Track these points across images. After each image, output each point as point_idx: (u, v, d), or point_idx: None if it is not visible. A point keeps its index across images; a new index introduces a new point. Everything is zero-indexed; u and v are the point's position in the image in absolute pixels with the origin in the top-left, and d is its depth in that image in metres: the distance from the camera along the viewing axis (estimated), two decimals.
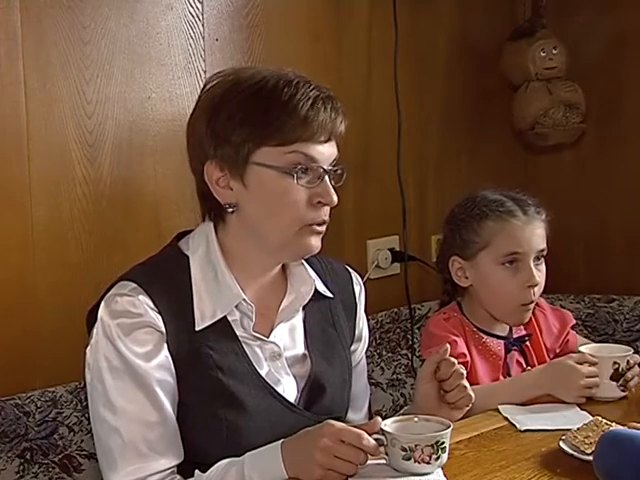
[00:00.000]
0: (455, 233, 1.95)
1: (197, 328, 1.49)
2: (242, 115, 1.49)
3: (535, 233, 1.91)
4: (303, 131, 1.48)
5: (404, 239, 2.63)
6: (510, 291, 1.89)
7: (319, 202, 1.51)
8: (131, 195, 2.06)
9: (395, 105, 2.56)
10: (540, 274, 1.92)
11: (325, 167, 1.51)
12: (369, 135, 2.58)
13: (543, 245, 1.92)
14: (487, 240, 1.90)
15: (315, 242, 1.54)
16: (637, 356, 1.85)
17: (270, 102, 1.49)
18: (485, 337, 1.94)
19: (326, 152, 1.52)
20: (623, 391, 1.81)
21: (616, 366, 1.81)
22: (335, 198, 1.52)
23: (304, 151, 1.49)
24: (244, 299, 1.53)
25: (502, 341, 1.95)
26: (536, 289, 1.90)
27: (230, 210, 1.53)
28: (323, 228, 1.54)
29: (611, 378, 1.80)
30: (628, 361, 1.82)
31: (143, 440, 1.45)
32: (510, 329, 1.98)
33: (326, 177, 1.51)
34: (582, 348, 1.87)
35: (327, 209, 1.53)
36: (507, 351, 1.95)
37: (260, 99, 1.49)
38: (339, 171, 1.55)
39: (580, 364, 1.79)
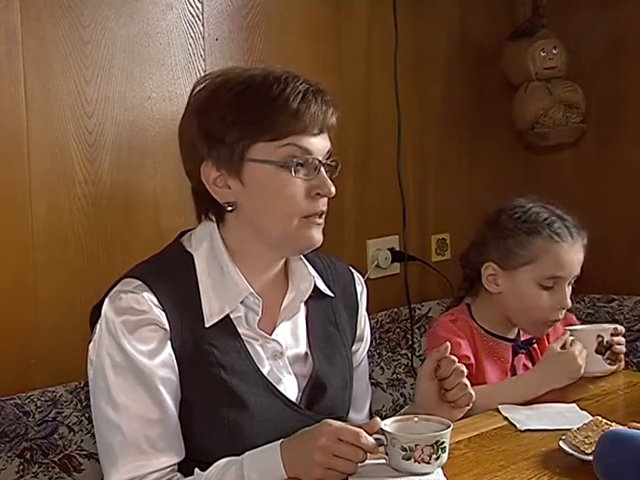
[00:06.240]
0: (499, 240, 1.91)
1: (207, 325, 1.49)
2: (234, 114, 1.50)
3: (577, 258, 1.90)
4: (296, 124, 1.49)
5: (404, 239, 2.63)
6: (541, 309, 1.89)
7: (317, 194, 1.51)
8: (131, 195, 2.06)
9: (395, 105, 2.57)
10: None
11: (320, 159, 1.52)
12: (369, 135, 2.58)
13: (579, 271, 1.91)
14: (533, 257, 1.88)
15: (317, 234, 1.54)
16: (621, 327, 1.88)
17: (260, 98, 1.49)
18: (493, 340, 1.94)
19: (319, 144, 1.52)
20: (611, 365, 1.83)
21: (600, 339, 1.83)
22: (333, 189, 1.52)
23: (298, 143, 1.49)
24: (251, 292, 1.53)
25: (510, 344, 1.95)
26: (564, 310, 1.91)
27: (229, 209, 1.53)
28: (322, 220, 1.55)
29: (596, 352, 1.82)
30: (612, 333, 1.84)
31: (144, 437, 1.45)
32: (518, 332, 1.98)
33: (322, 169, 1.52)
34: (569, 328, 1.90)
35: (325, 200, 1.54)
36: (514, 354, 1.95)
37: (250, 96, 1.50)
38: (334, 163, 1.56)
39: (563, 347, 1.82)
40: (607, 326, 1.89)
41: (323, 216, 1.54)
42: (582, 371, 1.81)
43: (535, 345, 1.97)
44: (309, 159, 1.50)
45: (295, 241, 1.54)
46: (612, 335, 1.86)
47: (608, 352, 1.84)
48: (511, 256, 1.90)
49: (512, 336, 1.97)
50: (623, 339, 1.88)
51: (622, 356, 1.89)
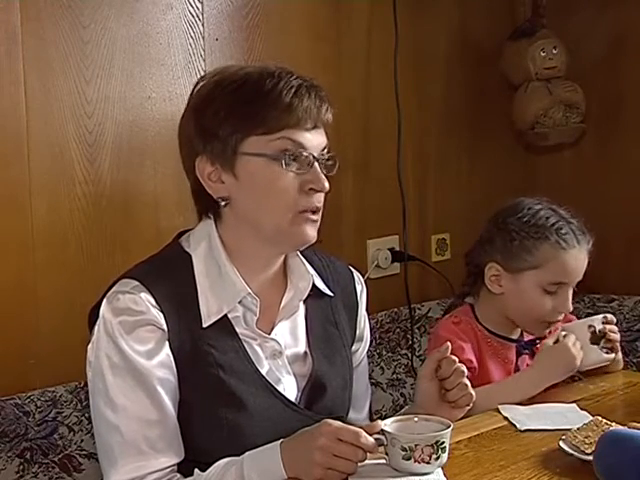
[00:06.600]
0: (505, 242, 1.90)
1: (204, 325, 1.49)
2: (228, 109, 1.50)
3: (582, 265, 1.89)
4: (289, 118, 1.49)
5: (404, 239, 2.63)
6: (542, 312, 1.89)
7: (310, 189, 1.51)
8: (131, 195, 2.06)
9: (395, 105, 2.56)
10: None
11: (314, 154, 1.51)
12: (369, 135, 2.58)
13: (582, 276, 1.91)
14: (539, 262, 1.87)
15: (310, 231, 1.53)
16: (611, 315, 1.90)
17: (254, 93, 1.50)
18: (497, 341, 1.94)
19: (314, 139, 1.52)
20: (609, 353, 1.84)
21: (592, 329, 1.85)
22: (326, 184, 1.51)
23: (291, 137, 1.49)
24: (249, 293, 1.53)
25: (514, 345, 1.95)
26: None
27: (223, 204, 1.53)
28: (318, 216, 1.54)
29: (592, 342, 1.83)
30: (603, 322, 1.86)
31: (143, 438, 1.45)
32: (521, 333, 1.98)
33: (316, 164, 1.51)
34: (561, 326, 1.91)
35: (320, 196, 1.53)
36: (518, 355, 1.95)
37: (244, 92, 1.50)
38: (330, 161, 1.55)
39: (556, 342, 1.84)
40: (597, 316, 1.90)
41: (318, 213, 1.54)
42: (578, 362, 1.82)
43: (538, 346, 1.97)
44: (303, 153, 1.50)
45: (288, 236, 1.53)
46: (603, 324, 1.87)
47: (603, 341, 1.85)
48: (516, 259, 1.89)
49: (515, 336, 1.97)
50: (615, 327, 1.89)
51: (618, 344, 1.90)
